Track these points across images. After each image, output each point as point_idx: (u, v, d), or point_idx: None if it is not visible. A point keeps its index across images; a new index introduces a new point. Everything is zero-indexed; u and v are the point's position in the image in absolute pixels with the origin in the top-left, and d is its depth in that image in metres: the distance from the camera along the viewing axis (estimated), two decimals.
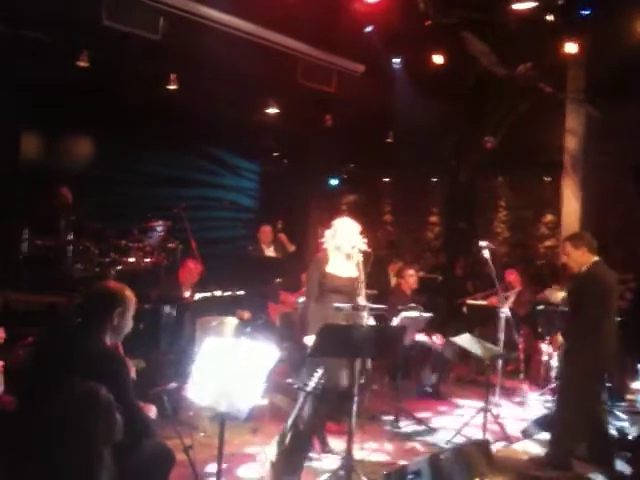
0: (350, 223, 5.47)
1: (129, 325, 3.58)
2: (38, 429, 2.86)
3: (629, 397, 7.24)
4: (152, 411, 3.63)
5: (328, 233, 5.48)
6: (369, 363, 5.45)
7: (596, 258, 5.42)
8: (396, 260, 10.93)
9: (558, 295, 6.38)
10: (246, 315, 6.93)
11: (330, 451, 5.46)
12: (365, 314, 5.06)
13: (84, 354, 3.30)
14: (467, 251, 12.11)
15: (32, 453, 2.84)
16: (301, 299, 7.00)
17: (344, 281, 5.38)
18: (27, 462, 2.85)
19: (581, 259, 5.42)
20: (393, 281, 10.38)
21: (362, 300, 5.31)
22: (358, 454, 5.20)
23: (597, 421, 5.48)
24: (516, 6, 8.00)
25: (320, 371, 4.61)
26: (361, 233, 5.42)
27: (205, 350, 3.93)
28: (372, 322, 5.50)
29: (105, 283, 3.76)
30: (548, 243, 12.26)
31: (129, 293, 3.59)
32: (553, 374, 7.97)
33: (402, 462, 5.23)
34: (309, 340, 5.05)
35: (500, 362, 7.40)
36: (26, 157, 10.05)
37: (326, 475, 4.83)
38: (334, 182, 15.03)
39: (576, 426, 5.35)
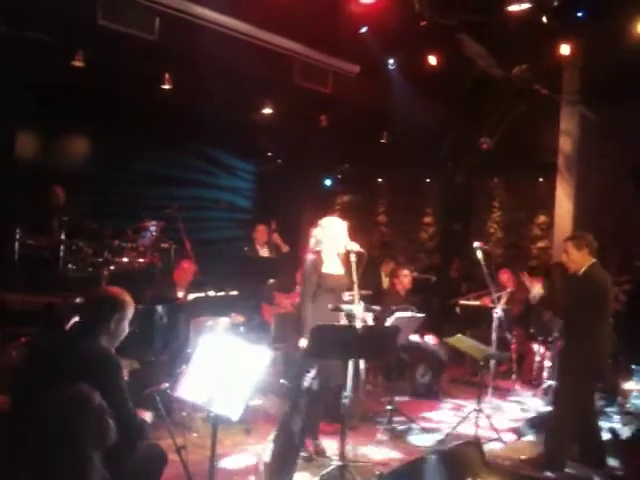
0: (339, 221, 5.50)
1: (125, 331, 3.58)
2: (29, 430, 2.86)
3: (622, 398, 7.26)
4: (148, 416, 3.64)
5: (319, 233, 5.47)
6: (362, 364, 5.46)
7: (594, 260, 5.43)
8: (387, 260, 10.93)
9: (536, 289, 6.25)
10: (240, 319, 6.93)
11: (323, 452, 5.47)
12: (360, 313, 5.06)
13: (79, 356, 3.29)
14: (462, 252, 12.13)
15: (23, 454, 2.84)
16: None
17: (340, 279, 5.40)
18: (19, 462, 2.85)
19: (581, 260, 5.43)
20: (385, 282, 10.38)
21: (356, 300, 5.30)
22: (351, 454, 5.21)
23: (590, 422, 5.51)
24: (511, 8, 8.00)
25: (313, 371, 4.62)
26: (354, 233, 5.44)
27: (200, 348, 3.94)
28: (369, 319, 5.53)
29: (105, 288, 3.78)
30: (541, 244, 12.29)
31: (128, 299, 3.59)
32: (545, 374, 8.00)
33: (395, 463, 5.26)
34: (305, 342, 5.05)
35: (493, 362, 7.42)
36: (22, 156, 10.04)
37: (319, 476, 4.83)
38: (328, 182, 15.03)
39: (570, 426, 5.37)
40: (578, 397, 5.33)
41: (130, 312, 3.59)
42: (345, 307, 4.94)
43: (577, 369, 5.30)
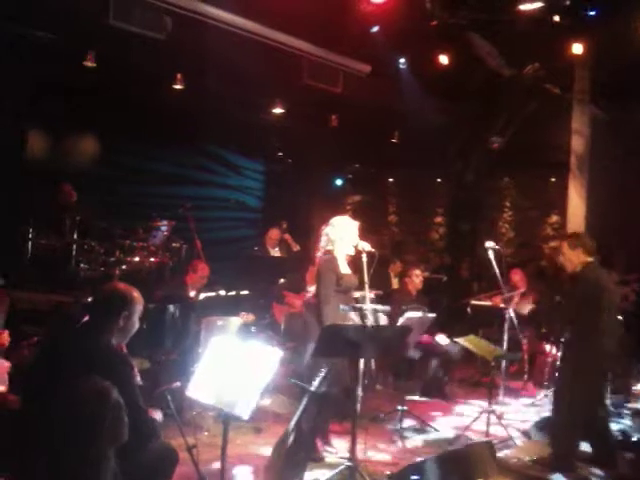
0: (350, 221, 5.49)
1: (135, 327, 3.57)
2: (43, 428, 2.87)
3: (632, 398, 7.22)
4: (158, 415, 3.65)
5: (330, 232, 5.44)
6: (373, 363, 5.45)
7: (590, 260, 5.41)
8: (395, 260, 10.92)
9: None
10: (250, 318, 6.95)
11: (334, 451, 5.47)
12: (371, 313, 5.05)
13: (90, 355, 3.30)
14: (472, 252, 12.09)
15: (37, 451, 2.86)
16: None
17: (352, 279, 5.39)
18: (31, 460, 2.86)
19: (576, 260, 5.41)
20: (394, 282, 10.36)
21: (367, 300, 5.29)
22: (361, 454, 5.20)
23: (599, 422, 5.48)
24: (523, 7, 7.98)
25: (324, 372, 4.62)
26: (365, 233, 5.42)
27: (211, 349, 3.94)
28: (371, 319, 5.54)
29: (113, 285, 3.75)
30: (553, 244, 12.23)
31: (136, 295, 3.58)
32: (557, 375, 7.96)
33: (405, 463, 5.25)
34: None
35: (504, 363, 7.40)
36: (33, 156, 10.08)
37: (329, 475, 4.83)
38: (339, 182, 15.03)
39: (576, 427, 5.35)
40: (583, 398, 5.30)
41: (139, 308, 3.58)
42: (360, 307, 4.95)
43: (580, 369, 5.28)
